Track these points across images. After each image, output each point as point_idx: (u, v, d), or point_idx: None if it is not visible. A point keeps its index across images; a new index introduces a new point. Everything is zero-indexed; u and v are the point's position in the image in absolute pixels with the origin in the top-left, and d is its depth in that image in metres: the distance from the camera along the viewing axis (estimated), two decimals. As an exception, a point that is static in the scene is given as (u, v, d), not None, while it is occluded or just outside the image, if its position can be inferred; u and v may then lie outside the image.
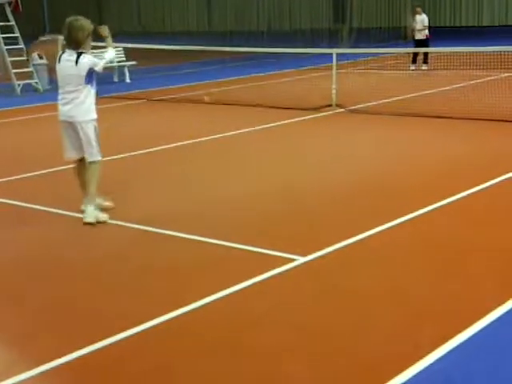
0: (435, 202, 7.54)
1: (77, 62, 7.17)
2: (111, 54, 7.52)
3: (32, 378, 4.31)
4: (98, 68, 7.27)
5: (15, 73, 18.96)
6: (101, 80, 21.22)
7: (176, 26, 44.23)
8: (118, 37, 19.17)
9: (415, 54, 21.25)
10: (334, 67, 14.73)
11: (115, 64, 21.00)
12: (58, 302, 5.48)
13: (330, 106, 14.29)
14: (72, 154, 7.56)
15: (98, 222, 7.29)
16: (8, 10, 19.77)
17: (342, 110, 14.09)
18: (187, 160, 10.33)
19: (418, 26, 21.73)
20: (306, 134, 12.20)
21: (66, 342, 4.76)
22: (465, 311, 5.04)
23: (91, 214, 7.29)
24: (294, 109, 14.29)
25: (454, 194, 7.83)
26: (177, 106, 15.96)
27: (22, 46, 19.47)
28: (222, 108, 15.24)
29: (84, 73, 7.19)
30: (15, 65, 19.07)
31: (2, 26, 19.52)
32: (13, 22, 19.63)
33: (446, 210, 7.44)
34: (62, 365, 4.43)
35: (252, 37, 34.26)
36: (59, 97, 7.42)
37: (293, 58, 24.84)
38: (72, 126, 7.37)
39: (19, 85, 18.94)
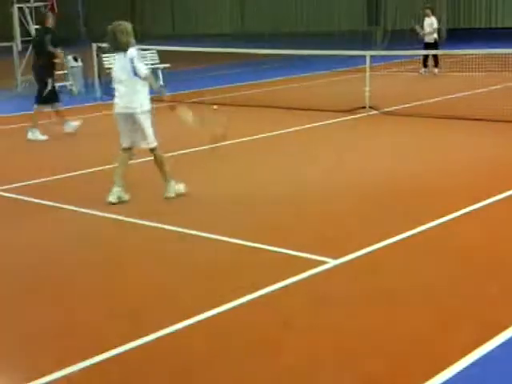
0: (469, 206, 7.48)
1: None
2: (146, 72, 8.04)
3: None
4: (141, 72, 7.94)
5: (51, 75, 19.11)
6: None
7: (210, 29, 44.38)
8: (151, 40, 19.36)
9: (425, 58, 20.99)
10: (368, 69, 14.64)
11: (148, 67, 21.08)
12: (98, 295, 5.53)
13: (363, 108, 14.22)
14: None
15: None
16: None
17: (376, 112, 14.02)
18: (220, 162, 10.34)
19: (427, 29, 21.39)
20: (339, 136, 12.18)
21: (111, 336, 4.82)
22: (500, 316, 4.98)
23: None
24: (328, 111, 14.25)
25: (489, 197, 7.77)
26: (208, 108, 15.93)
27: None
28: (255, 110, 15.25)
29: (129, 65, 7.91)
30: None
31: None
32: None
33: (479, 213, 7.37)
34: (109, 358, 4.47)
35: (285, 39, 34.21)
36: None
37: (326, 60, 24.78)
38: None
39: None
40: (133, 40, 8.06)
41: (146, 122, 8.02)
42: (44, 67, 12.39)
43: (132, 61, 7.87)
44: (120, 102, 8.06)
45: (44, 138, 12.40)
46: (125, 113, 8.02)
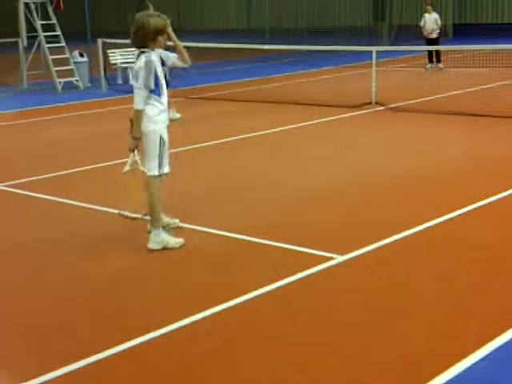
0: (474, 202, 7.46)
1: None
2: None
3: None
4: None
5: (56, 70, 19.17)
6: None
7: (215, 24, 44.38)
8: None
9: (430, 53, 21.13)
10: (374, 65, 14.62)
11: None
12: (107, 291, 5.55)
13: (369, 103, 14.20)
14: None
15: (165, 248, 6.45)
16: (49, 9, 19.98)
17: (382, 107, 13.99)
18: (227, 157, 10.34)
19: (430, 25, 21.35)
20: (345, 132, 12.15)
21: (121, 330, 4.83)
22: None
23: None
24: (334, 106, 14.22)
25: (504, 191, 7.81)
26: (214, 103, 15.97)
27: (63, 44, 19.66)
28: (261, 106, 15.23)
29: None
30: (56, 62, 19.28)
31: (44, 24, 19.76)
32: (54, 21, 19.84)
33: (486, 209, 7.36)
34: (119, 352, 4.48)
35: (291, 34, 34.20)
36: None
37: (332, 55, 24.76)
38: None
39: (60, 82, 19.15)
40: (155, 43, 6.37)
41: (146, 145, 6.42)
42: None
43: (139, 70, 6.25)
44: None
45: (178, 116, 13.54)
46: None
